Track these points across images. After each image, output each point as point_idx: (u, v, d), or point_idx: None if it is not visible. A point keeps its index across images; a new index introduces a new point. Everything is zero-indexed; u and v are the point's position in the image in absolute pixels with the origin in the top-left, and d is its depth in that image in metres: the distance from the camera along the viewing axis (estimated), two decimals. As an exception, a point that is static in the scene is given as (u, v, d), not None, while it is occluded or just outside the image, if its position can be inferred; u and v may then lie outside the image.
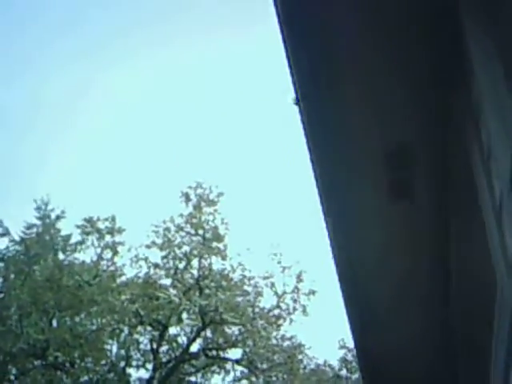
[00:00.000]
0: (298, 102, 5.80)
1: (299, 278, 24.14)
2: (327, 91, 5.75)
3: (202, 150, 36.44)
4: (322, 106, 5.78)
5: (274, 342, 24.20)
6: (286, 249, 24.58)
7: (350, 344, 27.10)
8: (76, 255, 24.74)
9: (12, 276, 24.53)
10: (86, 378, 22.99)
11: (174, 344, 24.17)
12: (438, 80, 5.61)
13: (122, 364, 23.37)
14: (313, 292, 24.11)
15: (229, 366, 24.35)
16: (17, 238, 24.87)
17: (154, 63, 34.18)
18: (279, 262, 24.11)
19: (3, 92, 33.79)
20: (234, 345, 23.66)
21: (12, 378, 23.82)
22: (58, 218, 25.07)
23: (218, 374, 24.51)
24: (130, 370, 23.63)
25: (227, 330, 23.66)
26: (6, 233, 24.83)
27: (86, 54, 32.78)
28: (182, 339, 24.12)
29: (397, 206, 6.36)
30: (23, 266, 24.15)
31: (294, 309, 23.90)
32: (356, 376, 26.55)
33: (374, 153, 6.15)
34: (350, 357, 27.59)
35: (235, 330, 23.63)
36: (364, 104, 5.82)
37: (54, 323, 23.80)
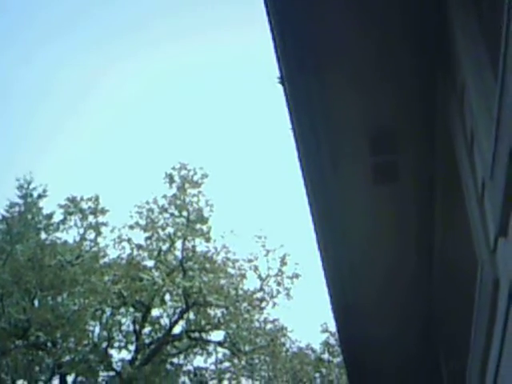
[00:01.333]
0: (282, 81, 5.82)
1: (283, 262, 24.23)
2: (313, 76, 5.77)
3: (186, 132, 36.40)
4: (306, 90, 5.81)
5: (257, 324, 24.32)
6: (270, 232, 24.57)
7: (333, 328, 27.33)
8: (58, 235, 24.70)
9: (-6, 255, 24.43)
10: (67, 358, 22.99)
11: (157, 326, 24.23)
12: (424, 65, 5.66)
13: (104, 345, 23.40)
14: (296, 275, 24.22)
15: (211, 348, 24.50)
16: (-2, 218, 24.78)
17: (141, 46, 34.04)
18: (263, 245, 24.21)
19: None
20: (216, 327, 23.75)
21: (-7, 357, 23.81)
22: (40, 196, 24.97)
23: (201, 355, 24.64)
24: (112, 351, 23.73)
25: (210, 312, 23.74)
26: (-12, 212, 24.71)
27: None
28: (165, 321, 24.23)
29: (382, 189, 6.42)
30: (5, 245, 24.02)
31: (278, 292, 24.01)
32: (338, 360, 26.73)
33: (359, 137, 6.20)
34: (332, 340, 27.78)
35: (218, 312, 23.71)
36: (350, 89, 5.85)
37: (36, 303, 23.79)
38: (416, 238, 6.74)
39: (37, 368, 23.77)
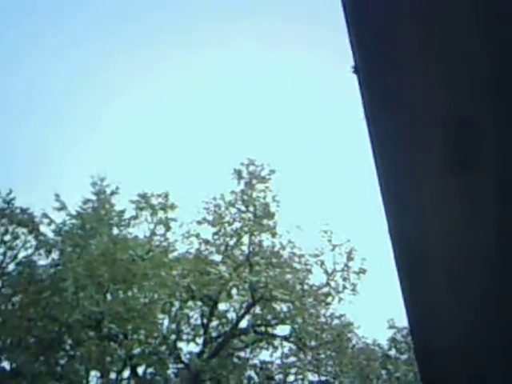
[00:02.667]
0: (356, 70, 5.65)
1: (349, 257, 23.93)
2: (388, 63, 5.57)
3: (254, 127, 36.35)
4: (381, 77, 5.60)
5: (323, 320, 24.10)
6: (336, 227, 24.25)
7: (400, 324, 26.92)
8: (130, 230, 25.09)
9: (69, 249, 25.02)
10: (138, 350, 23.34)
11: (224, 319, 24.33)
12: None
13: (173, 337, 23.63)
14: (363, 271, 23.88)
15: (277, 342, 24.42)
16: (73, 213, 25.37)
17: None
18: (329, 240, 23.95)
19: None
20: (282, 321, 23.67)
21: (68, 347, 24.41)
22: (112, 193, 25.39)
23: (267, 349, 24.60)
24: (181, 344, 23.95)
25: (276, 306, 23.69)
26: (63, 207, 25.33)
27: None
28: (232, 315, 24.30)
29: (459, 181, 6.13)
30: (79, 240, 24.56)
31: (344, 287, 23.75)
32: (405, 356, 26.35)
33: (436, 126, 5.95)
34: (399, 337, 27.39)
35: (284, 307, 23.63)
36: (427, 76, 5.61)
37: (109, 296, 24.22)
38: (497, 235, 6.41)
39: (109, 359, 24.21)
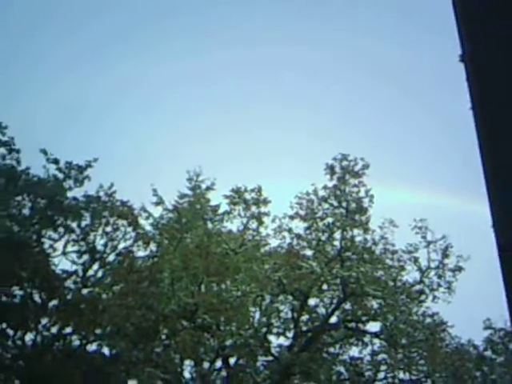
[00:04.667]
0: (463, 59, 5.26)
1: (445, 254, 23.03)
2: (495, 50, 5.12)
3: (347, 121, 35.70)
4: (491, 67, 5.17)
5: (415, 317, 23.29)
6: (431, 223, 23.37)
7: (497, 325, 25.67)
8: (223, 224, 25.21)
9: (165, 242, 25.44)
10: (230, 341, 23.41)
11: (314, 314, 23.99)
12: None
13: (264, 330, 23.51)
14: (459, 268, 22.94)
15: (367, 339, 23.83)
16: (170, 207, 25.76)
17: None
18: (424, 237, 23.13)
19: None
20: (373, 318, 23.06)
21: (163, 337, 24.80)
22: (207, 188, 25.58)
23: (356, 346, 24.07)
24: (271, 337, 23.80)
25: (367, 303, 23.13)
26: (161, 201, 25.78)
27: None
28: (322, 310, 23.89)
29: None
30: (176, 233, 24.89)
31: (439, 285, 22.88)
32: (501, 359, 25.12)
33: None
34: (496, 338, 26.13)
35: (375, 303, 23.02)
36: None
37: (203, 288, 24.40)
38: None
39: (202, 349, 24.40)
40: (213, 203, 25.39)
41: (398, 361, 23.50)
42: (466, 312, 26.58)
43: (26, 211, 26.85)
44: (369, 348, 23.86)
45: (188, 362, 24.62)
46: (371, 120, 37.14)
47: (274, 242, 24.52)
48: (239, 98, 37.14)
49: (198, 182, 25.48)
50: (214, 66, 37.12)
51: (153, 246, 25.91)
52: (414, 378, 23.34)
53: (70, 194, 27.03)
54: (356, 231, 23.51)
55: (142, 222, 26.16)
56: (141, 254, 26.09)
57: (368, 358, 24.11)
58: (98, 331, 25.53)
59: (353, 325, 23.71)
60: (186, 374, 24.47)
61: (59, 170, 27.17)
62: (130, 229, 26.62)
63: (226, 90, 37.37)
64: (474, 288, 24.75)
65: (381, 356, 24.08)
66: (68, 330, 26.23)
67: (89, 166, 27.19)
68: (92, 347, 26.31)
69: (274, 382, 22.70)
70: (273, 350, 23.44)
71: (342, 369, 24.20)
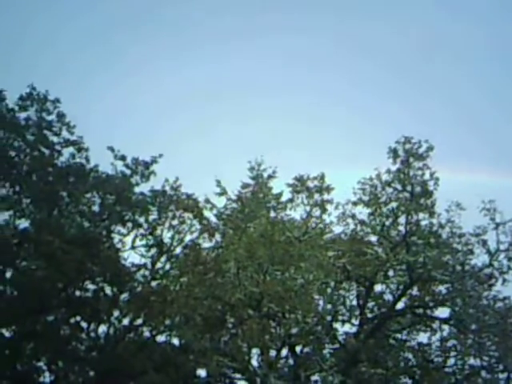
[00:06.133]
0: None
1: (515, 235, 22.08)
2: None
3: (410, 103, 34.70)
4: None
5: (485, 302, 22.43)
6: (500, 204, 22.41)
7: None
8: (286, 212, 24.98)
9: (230, 232, 25.43)
10: (296, 329, 23.12)
11: (380, 301, 23.42)
12: None
13: (329, 318, 23.14)
14: (530, 250, 21.96)
15: (436, 325, 23.09)
16: (233, 197, 25.74)
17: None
18: (492, 219, 22.22)
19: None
20: (441, 303, 22.33)
21: (230, 326, 24.76)
22: (269, 177, 25.44)
23: (424, 332, 23.36)
24: (337, 325, 23.40)
25: (434, 288, 22.40)
26: (224, 192, 25.80)
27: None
28: (388, 296, 23.31)
29: None
30: (239, 223, 24.87)
31: (509, 268, 21.94)
32: None
33: None
34: None
35: (443, 288, 22.29)
36: None
37: (267, 276, 24.21)
38: None
39: (268, 337, 24.17)
40: (275, 191, 25.22)
41: (468, 347, 22.67)
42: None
43: (95, 208, 27.28)
44: (438, 334, 23.13)
45: (255, 351, 24.45)
46: (431, 99, 36.07)
47: (337, 229, 24.18)
48: (297, 85, 36.85)
49: (259, 170, 25.37)
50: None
51: (217, 237, 25.94)
52: (484, 363, 22.49)
53: (137, 190, 27.37)
54: (421, 215, 22.84)
55: (206, 213, 26.27)
56: (206, 245, 26.22)
57: (437, 344, 23.35)
58: (167, 322, 25.72)
59: (420, 311, 23.04)
60: (254, 362, 24.32)
61: (126, 166, 27.58)
62: (195, 221, 26.79)
63: (287, 79, 37.04)
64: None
65: (450, 342, 23.28)
66: (139, 321, 26.65)
67: (154, 161, 27.48)
68: (162, 338, 26.58)
69: (341, 369, 22.25)
70: (339, 338, 22.99)
71: (409, 355, 23.54)
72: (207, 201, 25.97)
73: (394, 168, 23.24)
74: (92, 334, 26.76)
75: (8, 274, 24.45)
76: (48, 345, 24.71)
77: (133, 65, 39.61)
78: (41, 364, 25.96)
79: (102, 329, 26.74)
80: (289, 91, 36.85)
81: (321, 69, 38.07)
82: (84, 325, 26.53)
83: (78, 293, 26.26)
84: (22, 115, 24.31)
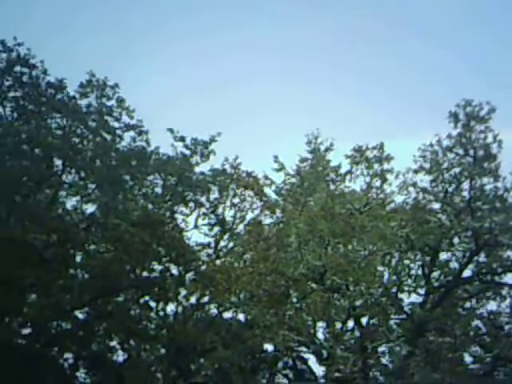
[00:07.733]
0: None
1: None
2: None
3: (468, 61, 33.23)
4: None
5: (555, 264, 21.37)
6: None
7: None
8: (346, 184, 24.45)
9: (290, 207, 25.09)
10: (360, 301, 22.64)
11: (446, 269, 22.58)
12: None
13: (394, 289, 22.50)
14: None
15: (505, 291, 22.15)
16: (291, 172, 25.36)
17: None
18: (563, 178, 21.06)
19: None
20: (510, 269, 21.35)
21: (294, 300, 24.50)
22: (327, 150, 24.91)
23: (494, 299, 22.45)
24: (402, 295, 22.75)
25: (502, 253, 21.44)
26: (282, 167, 25.44)
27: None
28: (454, 264, 22.45)
29: None
30: (299, 197, 24.49)
31: None
32: None
33: None
34: None
35: (511, 253, 21.31)
36: None
37: (329, 250, 23.81)
38: None
39: (333, 310, 23.81)
40: (333, 164, 24.71)
41: (540, 312, 21.71)
42: None
43: (158, 189, 27.45)
44: (507, 301, 22.20)
45: (320, 324, 24.14)
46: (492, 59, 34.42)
47: (398, 199, 23.40)
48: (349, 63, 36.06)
49: (317, 144, 24.88)
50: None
51: (278, 213, 25.66)
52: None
53: (197, 170, 27.40)
54: (486, 179, 21.81)
55: (265, 190, 26.02)
56: (267, 221, 26.00)
57: (507, 310, 22.42)
58: (232, 299, 25.73)
59: (488, 277, 22.09)
60: (320, 335, 24.02)
61: (186, 146, 27.60)
62: (256, 198, 26.61)
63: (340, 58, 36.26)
64: None
65: (520, 309, 22.35)
66: (205, 299, 26.78)
67: (213, 140, 27.38)
68: (228, 314, 26.64)
69: (408, 339, 21.65)
70: (405, 308, 22.37)
71: (479, 323, 22.70)
72: (266, 177, 25.70)
73: (454, 133, 22.22)
74: (161, 313, 27.15)
75: (78, 258, 24.85)
76: (120, 325, 25.12)
77: (188, 47, 39.59)
78: (114, 343, 26.55)
79: (170, 308, 27.12)
80: (342, 68, 36.10)
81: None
82: (153, 304, 26.96)
83: (145, 273, 26.59)
84: (84, 102, 24.50)
